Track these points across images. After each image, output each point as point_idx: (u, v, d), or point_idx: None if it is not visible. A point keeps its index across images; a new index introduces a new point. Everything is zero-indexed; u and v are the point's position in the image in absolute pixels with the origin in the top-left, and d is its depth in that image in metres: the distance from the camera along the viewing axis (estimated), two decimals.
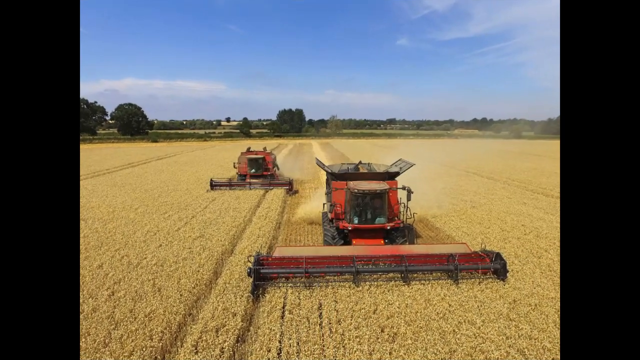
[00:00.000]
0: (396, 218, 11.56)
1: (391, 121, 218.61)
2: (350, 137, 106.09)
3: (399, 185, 11.79)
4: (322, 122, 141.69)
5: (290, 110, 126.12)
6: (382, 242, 11.16)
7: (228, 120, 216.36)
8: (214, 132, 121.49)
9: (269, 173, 23.98)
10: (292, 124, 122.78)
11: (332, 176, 12.60)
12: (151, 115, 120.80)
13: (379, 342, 6.59)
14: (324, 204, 13.49)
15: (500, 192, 21.70)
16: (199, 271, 9.72)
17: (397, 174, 12.29)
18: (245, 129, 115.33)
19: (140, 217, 15.63)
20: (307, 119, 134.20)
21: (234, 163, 25.28)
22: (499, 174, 30.10)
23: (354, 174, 12.62)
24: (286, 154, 53.05)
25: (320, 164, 13.84)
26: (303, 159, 43.65)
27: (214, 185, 22.05)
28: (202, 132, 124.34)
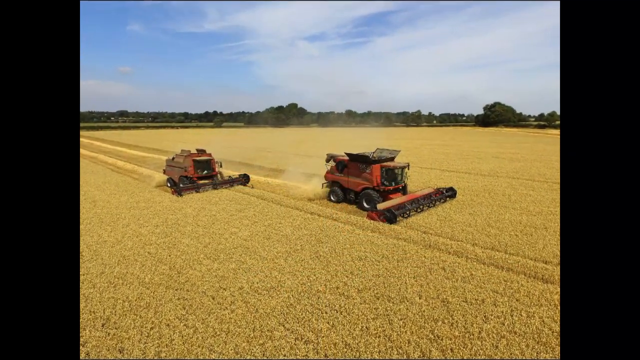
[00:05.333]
0: None
1: (123, 113, 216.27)
2: None
3: None
4: None
5: None
6: None
7: None
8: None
9: (215, 173, 24.88)
10: None
11: None
12: None
13: None
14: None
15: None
16: None
17: None
18: None
19: None
20: None
21: (164, 170, 25.22)
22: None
23: None
24: None
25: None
26: None
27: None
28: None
